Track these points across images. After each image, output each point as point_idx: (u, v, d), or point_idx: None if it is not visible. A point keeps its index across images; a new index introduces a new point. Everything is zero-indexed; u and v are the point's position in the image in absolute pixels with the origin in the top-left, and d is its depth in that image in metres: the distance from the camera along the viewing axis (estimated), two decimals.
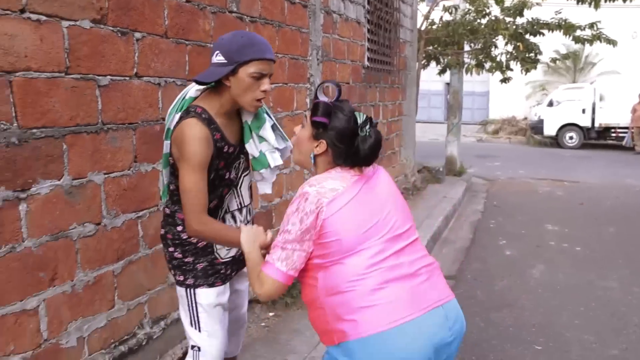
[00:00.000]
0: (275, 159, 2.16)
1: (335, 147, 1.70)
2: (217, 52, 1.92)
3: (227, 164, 2.05)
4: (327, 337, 1.69)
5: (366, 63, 5.97)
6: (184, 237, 2.07)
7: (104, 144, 2.44)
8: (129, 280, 2.63)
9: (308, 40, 4.52)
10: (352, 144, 1.68)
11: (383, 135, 6.69)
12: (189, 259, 2.10)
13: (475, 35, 9.23)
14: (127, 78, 2.55)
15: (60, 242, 2.25)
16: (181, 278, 2.11)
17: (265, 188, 2.27)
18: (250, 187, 2.24)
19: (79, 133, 2.31)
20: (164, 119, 2.75)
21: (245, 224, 2.17)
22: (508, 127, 20.97)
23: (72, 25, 2.25)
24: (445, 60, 9.81)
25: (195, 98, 2.05)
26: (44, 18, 2.12)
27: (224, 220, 2.11)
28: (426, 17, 9.34)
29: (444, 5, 9.56)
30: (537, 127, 17.74)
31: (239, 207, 2.18)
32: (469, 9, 9.49)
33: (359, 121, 1.71)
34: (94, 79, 2.38)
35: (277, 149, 2.17)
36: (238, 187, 2.16)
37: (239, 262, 2.22)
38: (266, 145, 2.13)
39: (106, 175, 2.47)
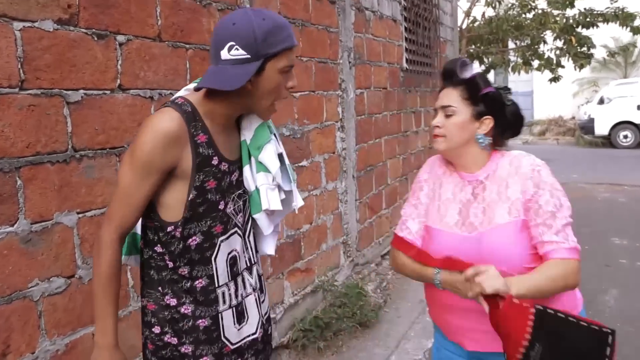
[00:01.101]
0: (272, 200, 1.50)
1: (502, 120, 1.68)
2: (232, 43, 1.34)
3: (221, 188, 1.45)
4: None
5: (405, 65, 5.38)
6: (182, 310, 1.45)
7: (75, 176, 1.93)
8: None
9: (338, 40, 3.96)
10: (506, 115, 1.69)
11: (426, 144, 6.15)
12: (187, 349, 1.46)
13: (520, 31, 8.53)
14: (107, 92, 2.05)
15: (15, 305, 1.75)
16: None
17: (263, 244, 1.64)
18: (259, 239, 1.66)
19: (40, 164, 1.81)
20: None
21: (255, 294, 1.58)
22: (555, 127, 19.92)
23: (28, 28, 1.76)
24: (489, 59, 9.11)
25: None
26: None
27: (235, 286, 1.50)
28: (467, 13, 8.68)
29: (485, 0, 8.85)
30: (587, 126, 16.68)
31: (248, 264, 1.56)
32: (512, 4, 8.78)
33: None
34: (61, 95, 1.88)
35: (278, 186, 1.53)
36: (246, 235, 1.55)
37: (266, 342, 1.62)
38: (263, 177, 1.50)
39: (80, 215, 1.96)
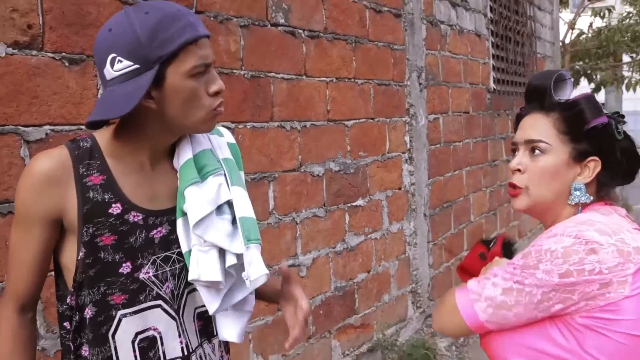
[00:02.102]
0: (203, 268, 1.10)
1: (610, 164, 1.19)
2: (113, 55, 1.03)
3: (126, 245, 1.11)
4: None
5: (492, 85, 4.75)
6: None
7: None
8: None
9: (404, 59, 3.46)
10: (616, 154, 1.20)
11: None
12: None
13: (637, 42, 7.48)
14: (82, 127, 1.71)
15: None
16: None
17: (220, 325, 1.20)
18: (211, 319, 1.22)
19: None
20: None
21: None
22: None
23: None
24: (598, 76, 8.10)
25: None
26: None
27: None
28: (571, 25, 7.78)
29: (593, 10, 7.89)
30: None
31: (184, 353, 1.16)
32: (629, 12, 7.75)
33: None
34: (17, 132, 1.56)
35: (212, 245, 1.11)
36: (180, 314, 1.16)
37: None
38: (186, 228, 1.12)
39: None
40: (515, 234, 5.32)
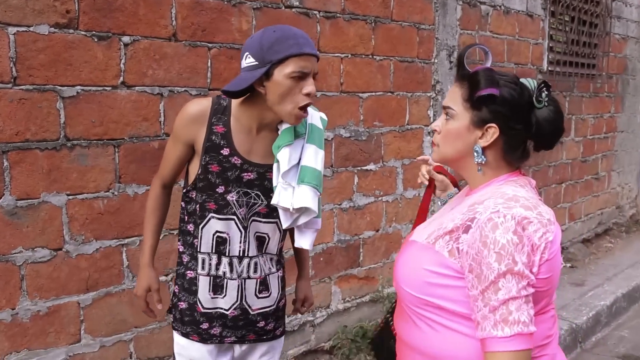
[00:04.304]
0: (282, 197, 1.63)
1: (511, 131, 1.31)
2: (247, 53, 1.59)
3: (223, 175, 1.67)
4: None
5: (545, 66, 4.77)
6: (183, 258, 1.80)
7: (66, 162, 2.19)
8: (104, 314, 2.35)
9: (432, 38, 3.71)
10: (530, 122, 1.32)
11: (577, 156, 5.39)
12: (176, 289, 1.82)
13: None
14: (107, 88, 2.26)
15: None
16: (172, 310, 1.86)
17: (297, 236, 1.75)
18: (266, 242, 1.79)
19: (28, 149, 2.09)
20: (167, 134, 2.42)
21: (240, 280, 1.75)
22: None
23: (22, 32, 2.04)
24: None
25: None
26: None
27: (217, 260, 1.74)
28: None
29: None
30: None
31: (240, 254, 1.74)
32: None
33: (530, 87, 1.33)
34: (54, 90, 2.13)
35: (290, 184, 1.65)
36: (247, 229, 1.73)
37: (244, 326, 1.79)
38: (277, 171, 1.66)
39: (71, 197, 2.21)
40: (565, 215, 5.35)
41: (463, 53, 1.36)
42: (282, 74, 1.54)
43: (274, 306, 1.83)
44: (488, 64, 1.38)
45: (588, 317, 4.00)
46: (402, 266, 1.39)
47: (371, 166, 3.43)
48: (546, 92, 1.32)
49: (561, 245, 1.36)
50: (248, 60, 1.57)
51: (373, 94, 3.38)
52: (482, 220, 1.23)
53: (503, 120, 1.31)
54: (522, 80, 1.34)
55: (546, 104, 1.32)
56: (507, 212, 1.21)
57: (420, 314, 1.33)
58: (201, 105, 1.68)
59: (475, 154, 1.35)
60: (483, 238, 1.20)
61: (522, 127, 1.32)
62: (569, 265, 5.10)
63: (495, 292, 1.18)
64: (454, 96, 1.37)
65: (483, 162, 1.35)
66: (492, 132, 1.31)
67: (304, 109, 1.59)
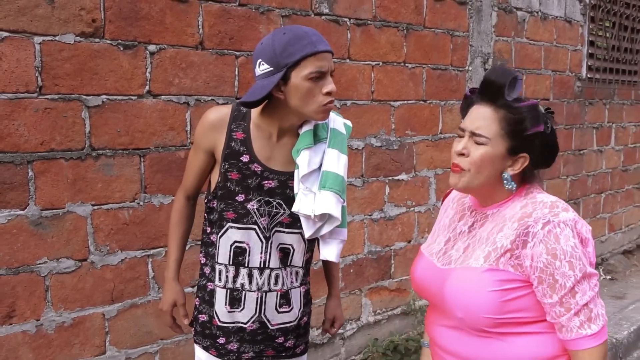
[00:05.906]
0: (303, 204, 1.56)
1: (537, 159, 1.41)
2: (260, 60, 1.52)
3: (243, 183, 1.62)
4: None
5: (584, 73, 4.60)
6: (204, 270, 1.75)
7: (92, 172, 2.17)
8: (129, 326, 2.32)
9: (467, 45, 3.60)
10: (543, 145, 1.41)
11: (618, 165, 5.17)
12: (197, 301, 1.77)
13: None
14: (133, 97, 2.24)
15: (21, 277, 2.04)
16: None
17: (322, 247, 1.67)
18: (290, 254, 1.71)
19: (53, 159, 2.08)
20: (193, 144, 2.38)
21: (260, 293, 1.67)
22: None
23: (48, 41, 2.03)
24: None
25: None
26: (4, 34, 1.94)
27: (235, 272, 1.67)
28: None
29: None
30: None
31: (261, 265, 1.66)
32: None
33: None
34: (80, 99, 2.12)
35: (311, 190, 1.58)
36: (269, 240, 1.65)
37: (263, 341, 1.71)
38: (298, 177, 1.60)
39: (96, 207, 2.19)
40: (605, 226, 5.12)
41: (504, 83, 1.34)
42: (299, 76, 1.48)
43: (295, 322, 1.75)
44: (518, 92, 1.39)
45: (629, 332, 3.80)
46: (461, 295, 1.37)
47: (403, 176, 3.34)
48: (551, 118, 1.41)
49: (600, 256, 1.46)
50: (262, 67, 1.50)
51: (405, 102, 3.29)
52: (540, 233, 1.30)
53: (534, 150, 1.38)
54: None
55: (551, 126, 1.40)
56: (556, 219, 1.30)
57: (495, 332, 1.36)
58: (220, 112, 1.65)
59: (505, 181, 1.40)
60: (551, 251, 1.28)
61: (541, 155, 1.41)
62: (609, 277, 4.88)
63: (574, 296, 1.29)
64: (485, 122, 1.36)
65: (513, 190, 1.41)
66: (522, 161, 1.39)
67: (327, 105, 1.54)
